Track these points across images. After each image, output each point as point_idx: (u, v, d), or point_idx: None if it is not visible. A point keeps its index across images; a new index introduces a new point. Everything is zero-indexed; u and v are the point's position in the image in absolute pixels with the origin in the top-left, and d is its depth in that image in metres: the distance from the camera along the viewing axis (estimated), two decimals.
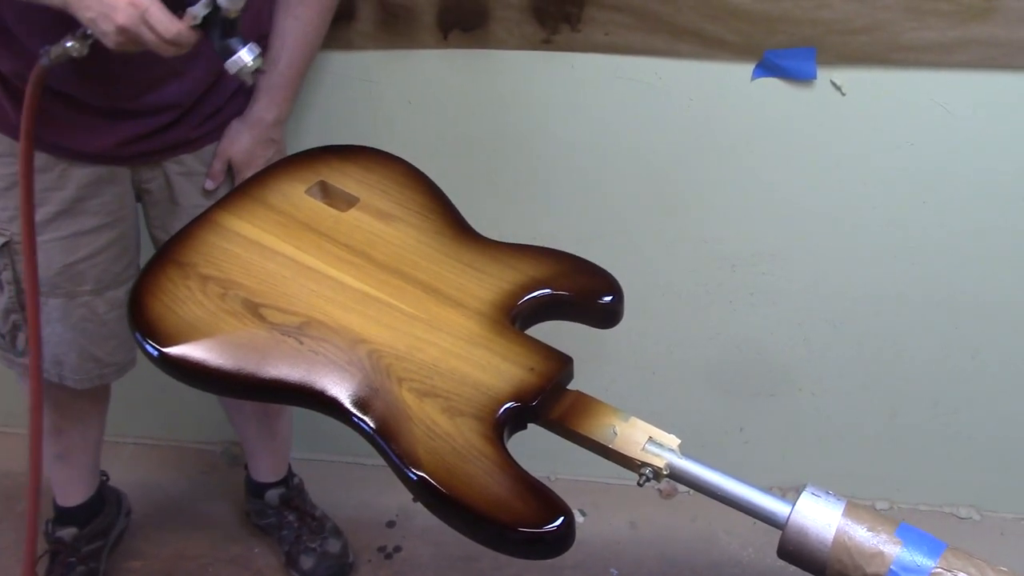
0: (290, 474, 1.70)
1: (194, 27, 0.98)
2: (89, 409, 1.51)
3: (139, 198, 1.33)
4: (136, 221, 1.35)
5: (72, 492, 1.57)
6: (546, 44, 1.36)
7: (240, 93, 1.28)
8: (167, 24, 0.96)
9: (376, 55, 1.40)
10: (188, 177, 1.30)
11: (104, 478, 1.65)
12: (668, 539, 1.74)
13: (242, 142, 1.29)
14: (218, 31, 0.99)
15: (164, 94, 1.20)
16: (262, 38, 1.24)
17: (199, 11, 0.96)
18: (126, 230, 1.32)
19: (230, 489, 1.81)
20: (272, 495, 1.66)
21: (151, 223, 1.36)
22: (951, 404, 1.65)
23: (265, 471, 1.67)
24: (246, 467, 1.70)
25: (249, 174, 1.23)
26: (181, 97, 1.22)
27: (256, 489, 1.68)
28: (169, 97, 1.21)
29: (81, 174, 1.24)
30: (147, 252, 1.29)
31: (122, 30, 0.95)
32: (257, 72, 1.01)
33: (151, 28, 0.96)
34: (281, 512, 1.66)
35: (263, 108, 1.29)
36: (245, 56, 0.99)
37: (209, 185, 1.31)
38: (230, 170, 1.30)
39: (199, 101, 1.25)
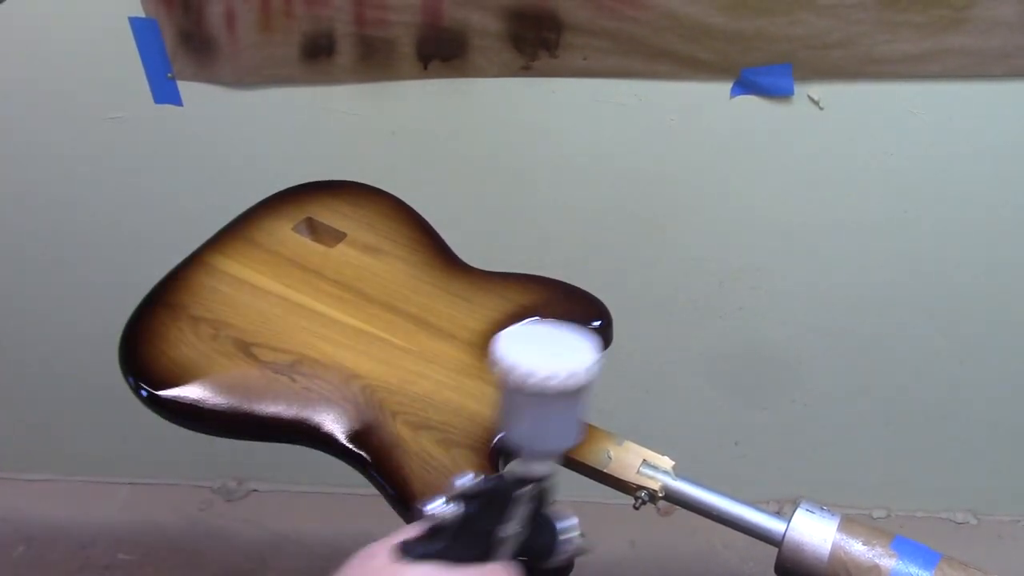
0: None
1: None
2: None
3: None
4: None
5: None
6: (525, 71, 1.37)
7: None
8: None
9: (357, 88, 1.41)
10: None
11: None
12: (668, 557, 1.74)
13: None
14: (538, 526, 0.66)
15: None
16: None
17: (514, 525, 0.64)
18: None
19: (227, 526, 1.80)
20: None
21: None
22: (943, 410, 1.66)
23: None
24: None
25: None
26: None
27: None
28: None
29: None
30: None
31: None
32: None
33: None
34: None
35: None
36: (571, 527, 0.68)
37: None
38: None
39: None
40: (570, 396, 0.63)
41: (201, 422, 0.82)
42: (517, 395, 0.63)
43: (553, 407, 0.63)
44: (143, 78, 1.45)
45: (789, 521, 0.71)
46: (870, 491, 1.79)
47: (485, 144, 1.45)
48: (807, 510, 0.72)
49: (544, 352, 0.64)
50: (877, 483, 1.77)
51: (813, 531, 0.70)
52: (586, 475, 0.78)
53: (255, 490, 1.92)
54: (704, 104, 1.38)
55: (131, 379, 0.82)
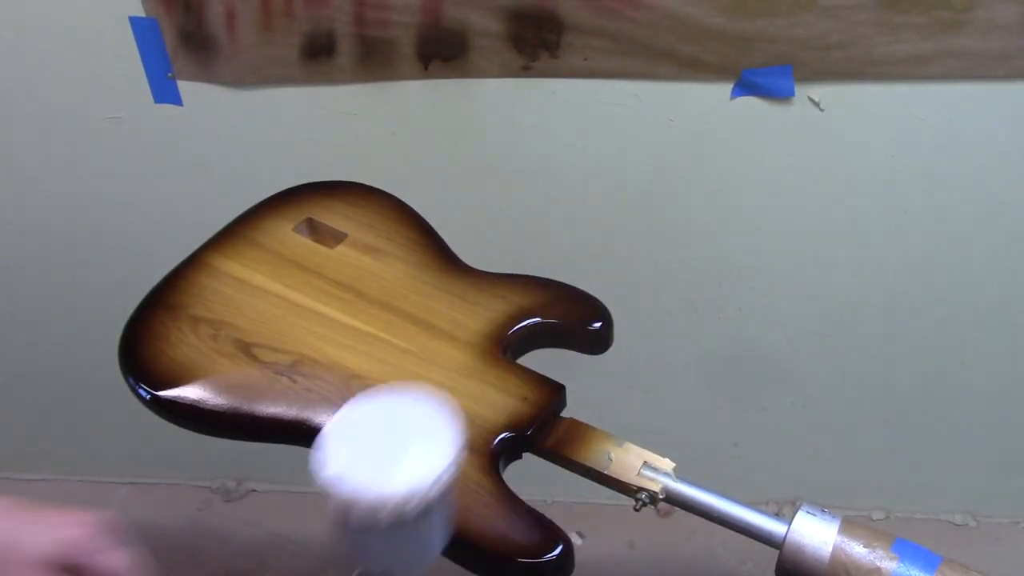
0: None
1: None
2: None
3: None
4: None
5: None
6: (526, 71, 1.37)
7: None
8: None
9: (357, 88, 1.41)
10: None
11: None
12: (667, 557, 1.74)
13: None
14: None
15: None
16: None
17: None
18: None
19: (226, 525, 1.80)
20: None
21: None
22: (943, 411, 1.66)
23: None
24: None
25: None
26: None
27: None
28: None
29: None
30: None
31: None
32: None
33: None
34: None
35: None
36: None
37: None
38: None
39: None
40: (416, 517, 0.49)
41: (201, 423, 0.82)
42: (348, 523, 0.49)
43: (395, 532, 0.50)
44: (143, 78, 1.44)
45: (790, 523, 0.71)
46: (869, 492, 1.79)
47: (485, 144, 1.45)
48: (808, 512, 0.72)
49: (379, 456, 0.50)
50: (876, 484, 1.77)
51: (814, 533, 0.70)
52: (587, 476, 0.78)
53: (254, 490, 1.92)
54: (704, 105, 1.37)
55: (131, 379, 0.82)
